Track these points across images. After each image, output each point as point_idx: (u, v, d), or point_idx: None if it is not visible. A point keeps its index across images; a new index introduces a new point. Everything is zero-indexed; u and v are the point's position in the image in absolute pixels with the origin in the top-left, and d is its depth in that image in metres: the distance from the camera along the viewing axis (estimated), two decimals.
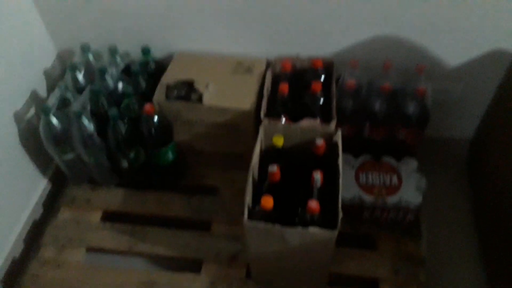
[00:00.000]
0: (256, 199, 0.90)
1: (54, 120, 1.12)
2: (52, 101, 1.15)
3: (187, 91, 1.16)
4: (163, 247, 1.16)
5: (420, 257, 1.11)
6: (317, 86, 1.07)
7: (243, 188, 0.92)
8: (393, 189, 1.13)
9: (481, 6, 1.07)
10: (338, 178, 0.93)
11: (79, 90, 1.19)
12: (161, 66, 1.24)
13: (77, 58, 1.29)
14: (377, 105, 1.13)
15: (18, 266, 1.20)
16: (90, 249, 1.18)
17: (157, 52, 1.28)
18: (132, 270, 1.14)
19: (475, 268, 1.17)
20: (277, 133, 1.00)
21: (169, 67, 1.22)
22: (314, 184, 0.89)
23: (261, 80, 1.19)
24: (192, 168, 1.31)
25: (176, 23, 1.23)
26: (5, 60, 1.14)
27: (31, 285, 1.11)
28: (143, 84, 1.20)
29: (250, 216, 0.89)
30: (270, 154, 1.02)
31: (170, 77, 1.19)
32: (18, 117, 1.18)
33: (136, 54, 1.27)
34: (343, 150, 0.98)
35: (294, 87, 1.10)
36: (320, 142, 0.96)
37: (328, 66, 1.17)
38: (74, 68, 1.20)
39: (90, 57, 1.23)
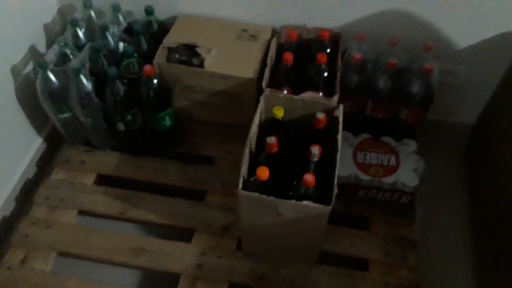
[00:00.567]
0: (252, 171, 0.89)
1: (52, 76, 1.10)
2: (51, 56, 1.12)
3: (189, 55, 1.14)
4: (155, 214, 1.15)
5: (412, 240, 1.11)
6: (322, 58, 1.05)
7: (240, 160, 0.91)
8: (390, 170, 1.12)
9: None
10: (336, 154, 0.91)
11: (79, 47, 1.16)
12: (164, 28, 1.22)
13: (78, 15, 1.25)
14: (382, 82, 1.11)
15: (8, 224, 1.19)
16: (82, 212, 1.17)
17: (161, 14, 1.24)
18: (123, 234, 1.13)
19: (466, 255, 1.17)
20: (278, 104, 0.98)
21: (172, 30, 1.19)
22: (311, 158, 0.88)
23: (265, 48, 1.16)
24: (189, 137, 1.30)
25: None
26: (4, 12, 1.10)
27: (21, 244, 1.11)
28: (144, 45, 1.18)
29: (244, 187, 0.88)
30: (269, 126, 1.00)
31: (172, 39, 1.16)
32: (15, 72, 1.16)
33: (139, 14, 1.24)
34: (343, 128, 0.96)
35: (299, 57, 1.08)
36: (321, 116, 0.94)
37: (335, 39, 1.14)
38: (75, 24, 1.17)
39: (92, 13, 1.20)
